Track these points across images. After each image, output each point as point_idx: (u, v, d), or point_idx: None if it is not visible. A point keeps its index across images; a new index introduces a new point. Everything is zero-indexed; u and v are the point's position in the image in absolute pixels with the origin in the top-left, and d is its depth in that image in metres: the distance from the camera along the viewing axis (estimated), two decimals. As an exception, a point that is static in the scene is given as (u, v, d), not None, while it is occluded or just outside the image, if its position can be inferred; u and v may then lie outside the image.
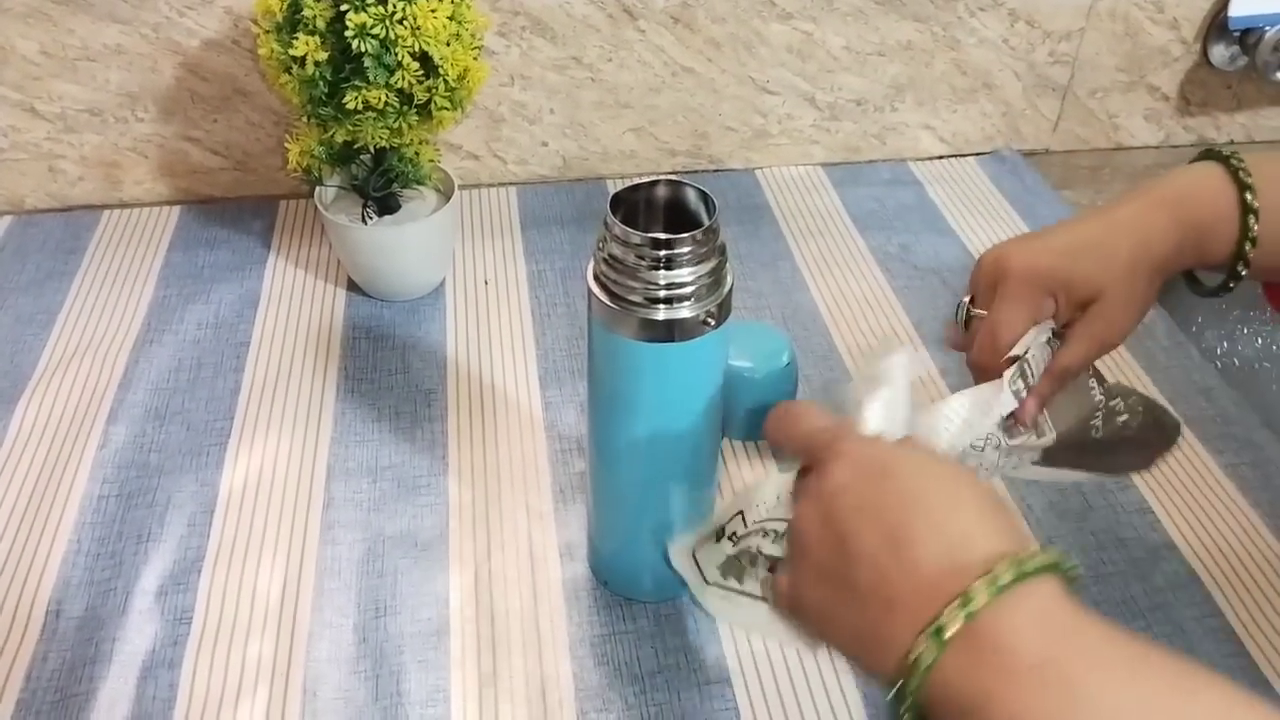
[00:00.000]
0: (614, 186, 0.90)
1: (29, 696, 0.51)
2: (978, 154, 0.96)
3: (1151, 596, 0.57)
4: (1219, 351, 0.97)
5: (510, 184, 0.89)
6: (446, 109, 0.65)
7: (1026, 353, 0.48)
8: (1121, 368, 0.73)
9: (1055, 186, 0.92)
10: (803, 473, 0.40)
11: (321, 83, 0.61)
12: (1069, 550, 0.60)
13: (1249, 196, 0.48)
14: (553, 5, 0.80)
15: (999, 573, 0.32)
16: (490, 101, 0.84)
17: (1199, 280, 0.55)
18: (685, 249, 0.43)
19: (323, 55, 0.60)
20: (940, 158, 0.95)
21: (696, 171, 0.92)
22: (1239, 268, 0.50)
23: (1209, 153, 0.51)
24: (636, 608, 0.56)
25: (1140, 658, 0.31)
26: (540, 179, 0.90)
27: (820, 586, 0.37)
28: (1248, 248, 0.49)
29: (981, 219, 0.87)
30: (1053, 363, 0.50)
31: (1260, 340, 0.97)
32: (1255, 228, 0.48)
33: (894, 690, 0.33)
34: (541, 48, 0.82)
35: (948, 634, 0.32)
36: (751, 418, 0.65)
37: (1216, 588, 0.58)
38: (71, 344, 0.71)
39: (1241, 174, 0.49)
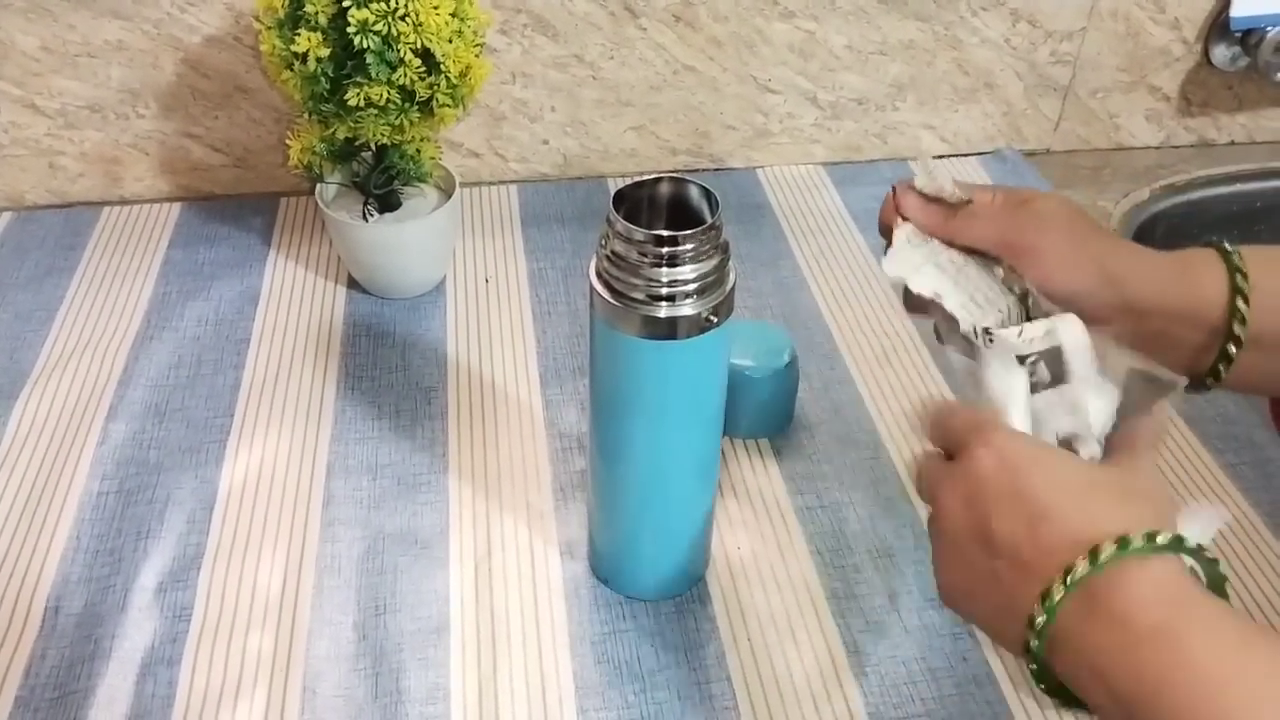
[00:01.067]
0: (615, 185, 0.89)
1: (27, 694, 0.51)
2: (979, 153, 0.96)
3: (1152, 596, 0.57)
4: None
5: (511, 182, 0.89)
6: (448, 106, 0.65)
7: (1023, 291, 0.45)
8: (1122, 368, 0.73)
9: (1057, 186, 0.92)
10: (947, 459, 0.42)
11: (323, 79, 0.61)
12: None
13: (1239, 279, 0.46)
14: (554, 3, 0.80)
15: (1131, 537, 0.35)
16: (491, 99, 0.84)
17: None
18: (688, 246, 0.43)
19: (325, 51, 0.60)
20: (942, 157, 0.95)
21: (697, 170, 0.92)
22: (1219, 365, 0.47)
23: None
24: (637, 606, 0.56)
25: (1254, 633, 0.33)
26: (541, 177, 0.90)
27: (960, 567, 0.40)
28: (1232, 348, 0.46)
29: (982, 219, 0.87)
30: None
31: (1260, 341, 0.97)
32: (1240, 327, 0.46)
33: (1022, 649, 0.37)
34: (543, 45, 0.82)
35: (1066, 589, 0.35)
36: (753, 416, 0.65)
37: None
38: (71, 340, 0.71)
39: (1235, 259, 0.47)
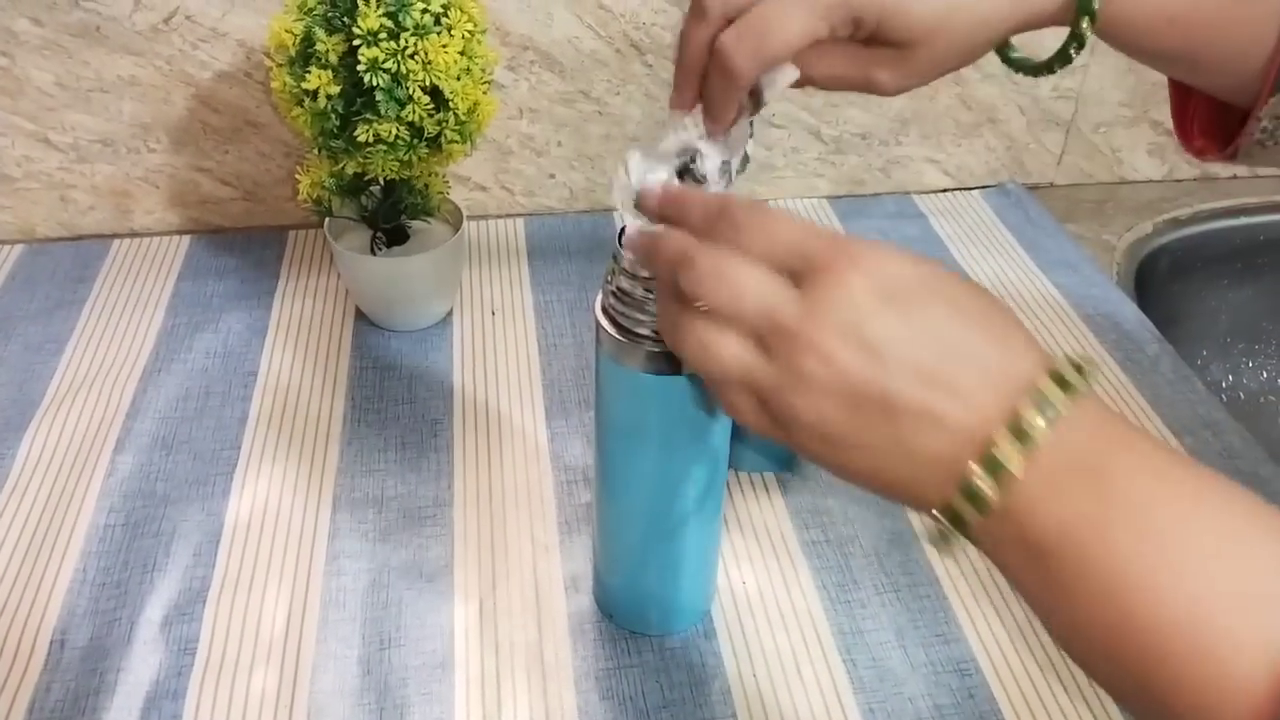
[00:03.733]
0: (621, 218, 0.90)
1: (32, 727, 0.51)
2: (982, 187, 0.96)
3: (1159, 632, 0.57)
4: (1224, 385, 0.97)
5: (518, 215, 0.90)
6: (456, 142, 0.65)
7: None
8: (1126, 400, 0.73)
9: (1060, 220, 0.93)
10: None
11: (333, 116, 0.62)
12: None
13: None
14: (561, 40, 0.81)
15: (1062, 372, 0.31)
16: (499, 134, 0.85)
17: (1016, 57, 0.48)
18: None
19: (335, 89, 0.61)
20: (944, 191, 0.96)
21: (702, 203, 0.92)
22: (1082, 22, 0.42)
23: None
24: (642, 641, 0.56)
25: (1178, 458, 0.31)
26: (547, 210, 0.90)
27: (840, 409, 0.33)
28: None
29: (986, 252, 0.88)
30: (871, 79, 0.42)
31: (1265, 374, 0.98)
32: None
33: (949, 516, 0.33)
34: (550, 82, 0.83)
35: (1010, 465, 0.31)
36: (758, 449, 0.65)
37: (1225, 624, 0.58)
38: (80, 373, 0.71)
39: None
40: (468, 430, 0.68)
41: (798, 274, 0.34)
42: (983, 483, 0.31)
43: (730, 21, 0.39)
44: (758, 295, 0.34)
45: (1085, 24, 0.41)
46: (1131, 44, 0.44)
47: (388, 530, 0.61)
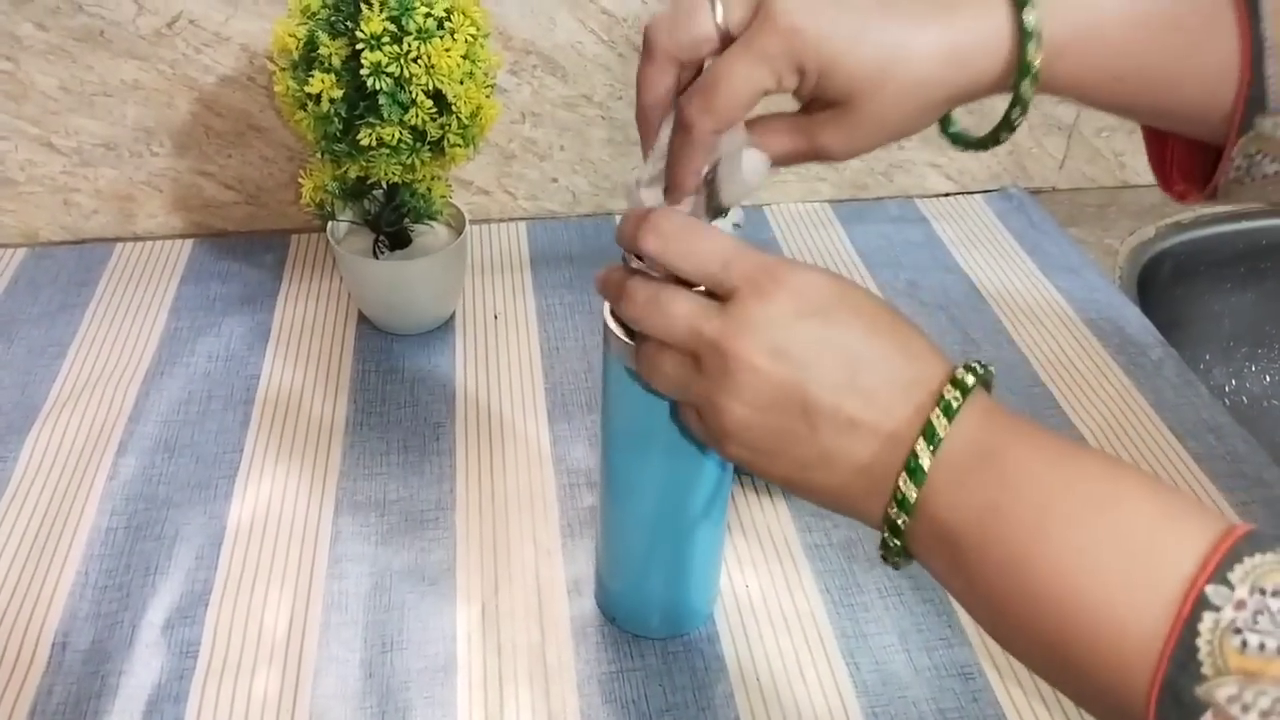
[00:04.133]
0: (623, 222, 0.90)
1: (34, 730, 0.51)
2: (985, 191, 0.96)
3: (1164, 636, 0.57)
4: (1227, 389, 0.97)
5: (520, 219, 0.90)
6: (459, 146, 0.65)
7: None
8: (1130, 405, 0.73)
9: (1062, 224, 0.92)
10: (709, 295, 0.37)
11: (336, 119, 0.62)
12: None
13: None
14: (564, 44, 0.81)
15: (950, 399, 0.34)
16: (501, 138, 0.85)
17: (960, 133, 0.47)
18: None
19: (338, 93, 0.61)
20: (947, 195, 0.96)
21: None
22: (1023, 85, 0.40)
23: None
24: (645, 645, 0.56)
25: (1068, 443, 0.34)
26: (550, 214, 0.90)
27: (764, 417, 0.35)
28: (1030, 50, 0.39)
29: (989, 256, 0.88)
30: (820, 145, 0.41)
31: (1269, 378, 0.97)
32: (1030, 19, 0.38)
33: (886, 526, 0.35)
34: (553, 86, 0.83)
35: (932, 452, 0.33)
36: None
37: (1229, 628, 0.57)
38: (82, 376, 0.71)
39: None
40: (470, 434, 0.68)
41: (724, 290, 0.36)
42: (905, 487, 0.34)
43: (681, 63, 0.40)
44: (686, 316, 0.37)
45: (1027, 86, 0.40)
46: (1085, 101, 0.43)
47: (390, 533, 0.61)
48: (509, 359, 0.74)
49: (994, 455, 0.33)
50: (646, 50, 0.40)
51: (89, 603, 0.56)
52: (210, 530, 0.61)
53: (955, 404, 0.33)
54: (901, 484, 0.34)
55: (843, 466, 0.35)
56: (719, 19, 0.38)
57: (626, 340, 0.45)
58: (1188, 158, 0.45)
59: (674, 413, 0.40)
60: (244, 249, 0.84)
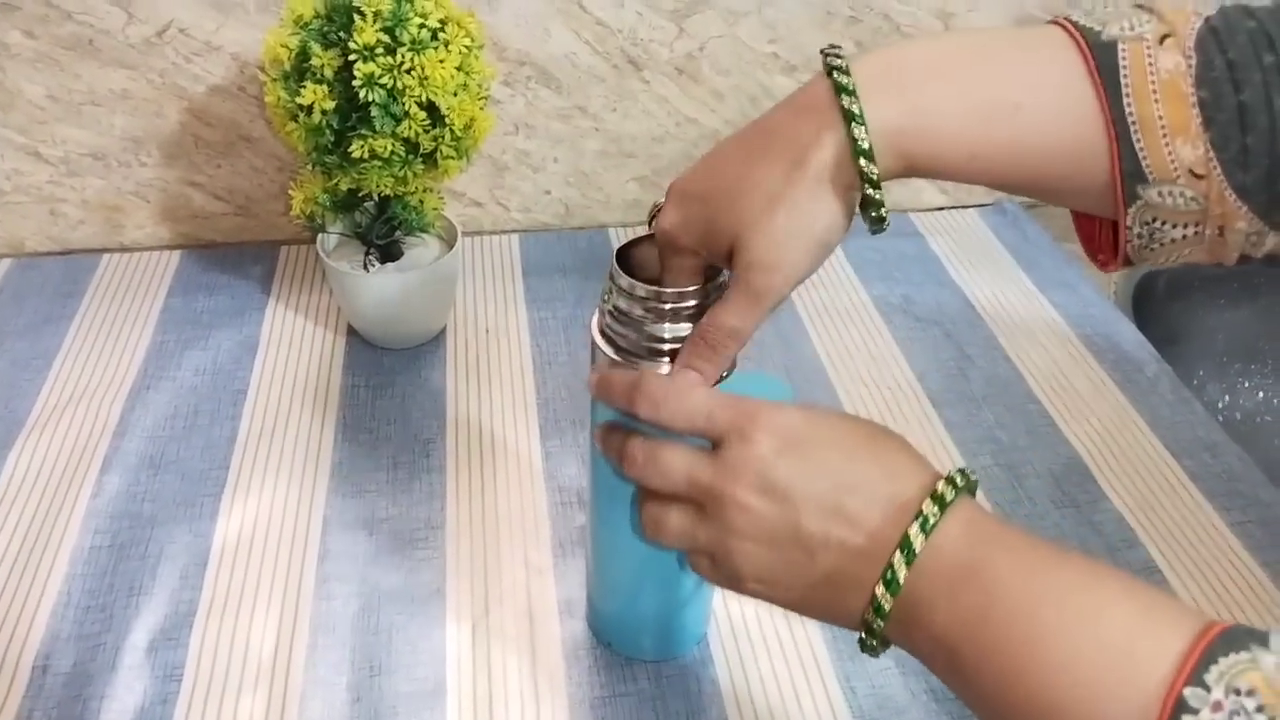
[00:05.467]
0: (617, 235, 0.90)
1: (12, 756, 0.50)
2: (979, 206, 0.96)
3: (1162, 660, 0.56)
4: (1220, 405, 0.97)
5: (513, 231, 0.89)
6: (452, 158, 0.65)
7: None
8: (1125, 421, 0.72)
9: (1056, 238, 0.92)
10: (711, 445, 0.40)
11: (328, 131, 0.61)
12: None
13: (846, 101, 0.40)
14: (559, 56, 0.81)
15: (941, 490, 0.36)
16: (494, 150, 0.84)
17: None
18: (690, 302, 0.43)
19: (330, 104, 0.60)
20: (941, 209, 0.96)
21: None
22: (868, 188, 0.40)
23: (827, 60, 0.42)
24: (637, 667, 0.55)
25: (1055, 551, 0.35)
26: (543, 226, 0.90)
27: (768, 550, 0.38)
28: (863, 163, 0.40)
29: (983, 271, 0.87)
30: (707, 325, 0.43)
31: (1262, 394, 0.97)
32: (862, 136, 0.40)
33: (864, 628, 0.37)
34: (546, 98, 0.83)
35: (906, 563, 0.35)
36: None
37: (1227, 651, 0.57)
38: (67, 390, 0.70)
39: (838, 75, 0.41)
40: (460, 450, 0.67)
41: (713, 438, 0.39)
42: (882, 597, 0.36)
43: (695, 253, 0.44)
44: (682, 469, 0.39)
45: (863, 164, 0.40)
46: (963, 180, 0.43)
47: (378, 553, 0.60)
48: (500, 374, 0.74)
49: (978, 569, 0.35)
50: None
51: (71, 624, 0.55)
52: (195, 549, 0.60)
53: (933, 519, 0.35)
54: (878, 592, 0.36)
55: (841, 585, 0.37)
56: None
57: (614, 356, 0.44)
58: (1108, 228, 0.45)
59: (684, 564, 0.42)
60: (233, 260, 0.83)
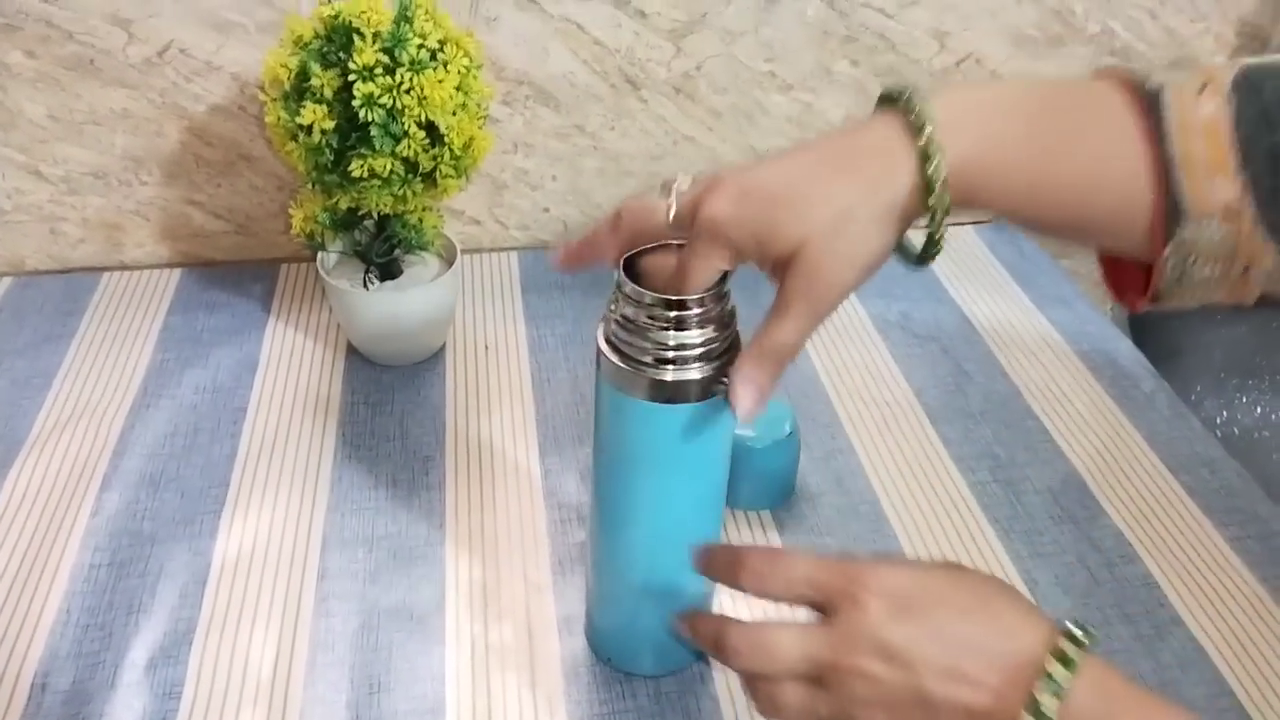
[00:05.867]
0: (614, 252, 0.90)
1: (10, 775, 0.49)
2: (976, 222, 0.97)
3: (1160, 674, 0.56)
4: (1218, 421, 0.97)
5: (512, 249, 0.89)
6: (451, 177, 0.65)
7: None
8: (1123, 437, 0.72)
9: (1054, 256, 0.93)
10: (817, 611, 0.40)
11: (327, 150, 0.62)
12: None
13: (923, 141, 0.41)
14: (557, 75, 0.81)
15: (1064, 648, 0.36)
16: (493, 168, 0.85)
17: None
18: (696, 310, 0.44)
19: (329, 124, 0.60)
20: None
21: (697, 238, 0.92)
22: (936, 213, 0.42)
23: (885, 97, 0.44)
24: (637, 684, 0.55)
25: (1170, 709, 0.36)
26: (542, 244, 0.90)
27: (896, 713, 0.38)
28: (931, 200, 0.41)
29: (980, 287, 0.88)
30: (765, 339, 0.44)
31: (1260, 409, 0.97)
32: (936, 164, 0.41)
33: None
34: (545, 116, 0.83)
35: None
36: (754, 487, 0.64)
37: (1226, 665, 0.57)
38: (67, 408, 0.70)
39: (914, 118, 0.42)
40: (460, 467, 0.67)
41: (820, 606, 0.40)
42: None
43: (633, 235, 0.46)
44: (795, 649, 0.39)
45: (937, 194, 0.41)
46: (1015, 216, 0.44)
47: (378, 571, 0.60)
48: (500, 391, 0.74)
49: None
50: (613, 216, 0.46)
51: (70, 641, 0.55)
52: (195, 567, 0.60)
53: (1065, 684, 0.36)
54: None
55: None
56: (670, 217, 0.44)
57: (620, 364, 0.44)
58: (1134, 270, 0.47)
59: None
60: (233, 279, 0.83)
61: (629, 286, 0.44)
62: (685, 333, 0.44)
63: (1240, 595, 0.61)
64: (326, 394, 0.73)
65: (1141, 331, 0.90)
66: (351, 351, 0.76)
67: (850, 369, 0.78)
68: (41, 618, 0.56)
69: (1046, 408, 0.75)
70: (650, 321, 0.43)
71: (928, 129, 0.41)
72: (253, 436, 0.69)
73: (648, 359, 0.44)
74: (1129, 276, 0.47)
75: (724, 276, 0.45)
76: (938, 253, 0.43)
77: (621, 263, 0.45)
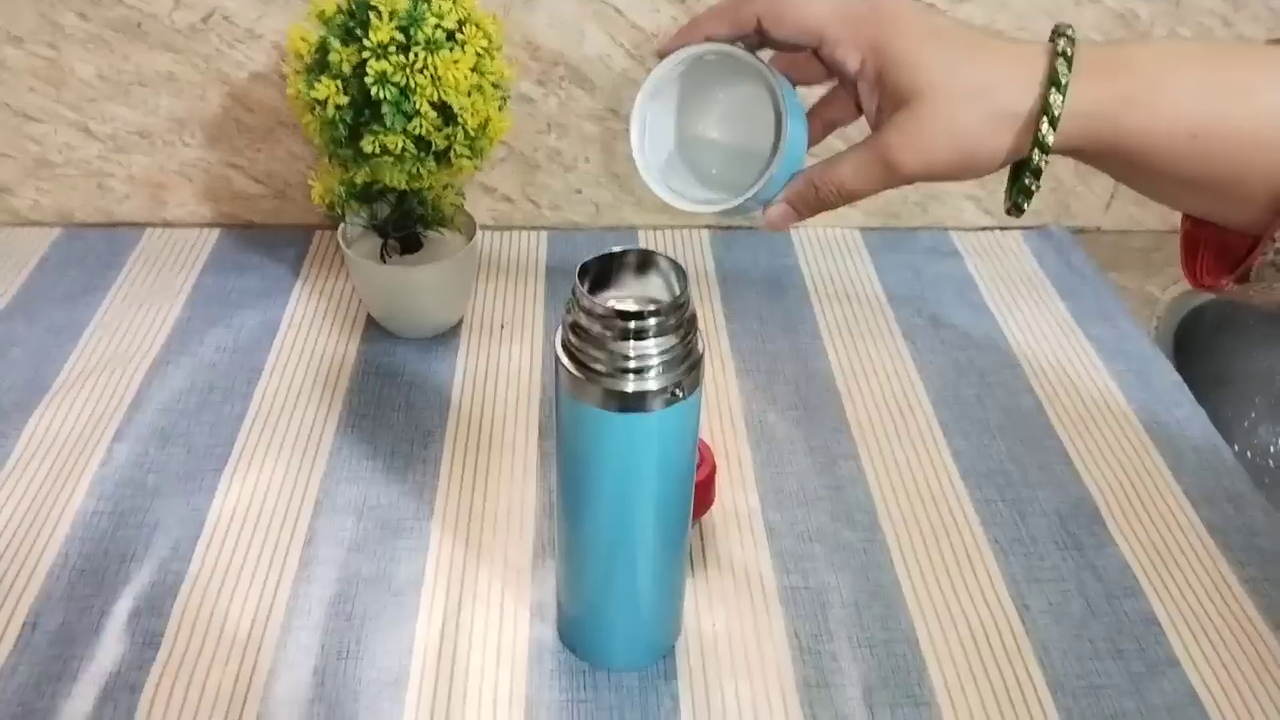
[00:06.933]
0: (645, 236, 0.90)
1: (-7, 707, 0.52)
2: (1024, 228, 0.93)
3: (1145, 715, 0.54)
4: (1272, 449, 0.92)
5: (543, 228, 0.90)
6: (466, 157, 0.65)
7: None
8: (1145, 464, 0.69)
9: (1103, 268, 0.89)
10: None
11: (341, 125, 0.62)
12: (1063, 657, 0.57)
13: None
14: (592, 58, 0.81)
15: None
16: (526, 147, 0.85)
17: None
18: (652, 321, 0.43)
19: (343, 99, 0.61)
20: (984, 229, 0.93)
21: (729, 228, 0.91)
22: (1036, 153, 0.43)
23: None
24: (600, 677, 0.55)
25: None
26: (573, 225, 0.90)
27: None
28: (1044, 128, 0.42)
29: (1019, 297, 0.85)
30: (828, 173, 0.44)
31: (1319, 441, 0.92)
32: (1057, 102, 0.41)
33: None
34: (579, 98, 0.83)
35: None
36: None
37: (1218, 712, 0.54)
38: (93, 359, 0.73)
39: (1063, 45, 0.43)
40: (458, 444, 0.68)
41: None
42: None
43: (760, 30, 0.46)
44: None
45: (1046, 127, 0.42)
46: (1158, 169, 0.43)
47: (363, 540, 0.61)
48: (509, 370, 0.74)
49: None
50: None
51: (64, 585, 0.58)
52: (190, 523, 0.62)
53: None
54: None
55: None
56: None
57: (576, 374, 0.44)
58: (1222, 247, 0.45)
59: None
60: (268, 242, 0.86)
61: (584, 297, 0.43)
62: (642, 343, 0.43)
63: (1245, 640, 0.58)
64: (340, 362, 0.74)
65: (1189, 354, 0.85)
66: (371, 322, 0.78)
67: (867, 371, 0.76)
68: (41, 559, 0.59)
69: (1069, 427, 0.72)
70: (604, 331, 0.43)
71: (1061, 62, 0.41)
72: (264, 399, 0.71)
73: (604, 368, 0.43)
74: (1207, 265, 0.46)
75: (684, 280, 0.44)
76: (1030, 192, 0.45)
77: (577, 270, 0.44)
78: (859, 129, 0.49)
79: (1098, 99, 0.42)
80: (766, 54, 0.48)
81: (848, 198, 0.44)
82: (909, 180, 0.44)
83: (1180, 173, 0.42)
